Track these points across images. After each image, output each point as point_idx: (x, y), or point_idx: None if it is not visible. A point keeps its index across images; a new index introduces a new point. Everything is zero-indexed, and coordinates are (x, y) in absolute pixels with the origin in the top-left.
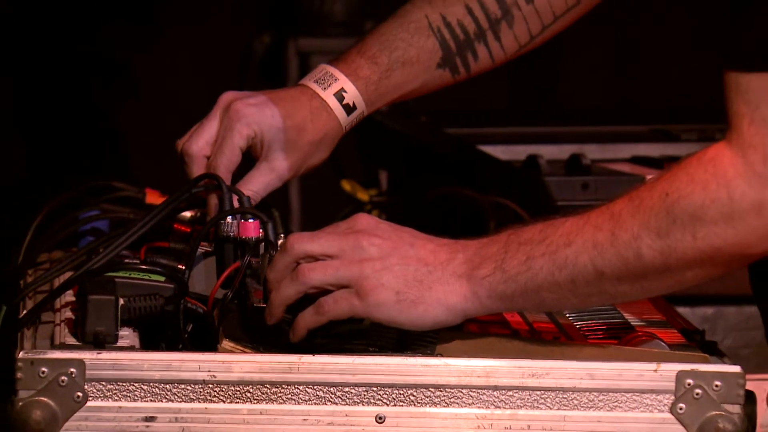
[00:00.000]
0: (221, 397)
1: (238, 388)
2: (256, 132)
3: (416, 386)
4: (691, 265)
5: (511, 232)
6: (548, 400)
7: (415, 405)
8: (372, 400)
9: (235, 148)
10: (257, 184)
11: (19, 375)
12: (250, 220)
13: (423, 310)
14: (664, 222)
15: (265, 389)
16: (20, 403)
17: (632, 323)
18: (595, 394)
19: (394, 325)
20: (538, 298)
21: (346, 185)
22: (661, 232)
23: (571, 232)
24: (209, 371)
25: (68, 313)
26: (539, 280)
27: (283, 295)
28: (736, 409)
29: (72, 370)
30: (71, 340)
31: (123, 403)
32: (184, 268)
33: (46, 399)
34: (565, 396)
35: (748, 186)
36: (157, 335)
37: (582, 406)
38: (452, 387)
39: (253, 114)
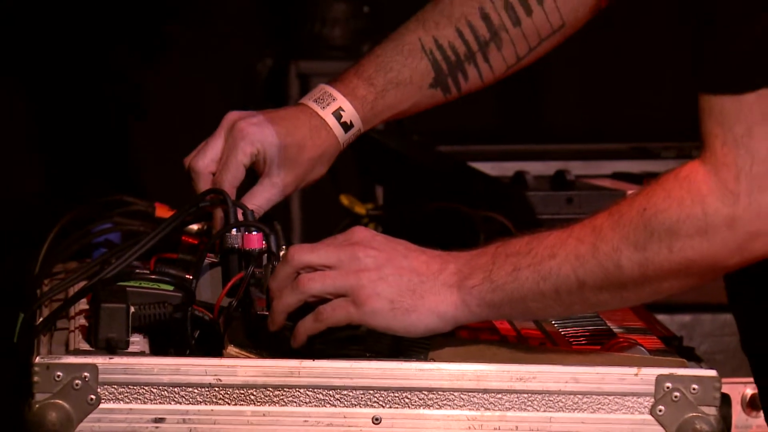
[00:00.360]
0: (226, 400)
1: (242, 391)
2: (259, 150)
3: (410, 389)
4: (667, 276)
5: (499, 244)
6: (535, 402)
7: (409, 407)
8: (369, 403)
9: (239, 165)
10: (260, 199)
11: (35, 379)
12: (254, 233)
13: (416, 318)
14: (642, 235)
15: (268, 392)
16: (36, 406)
17: (614, 330)
18: (579, 396)
19: (388, 332)
20: (524, 306)
21: (345, 200)
22: (639, 245)
23: (555, 244)
24: (215, 375)
25: (82, 321)
26: (525, 289)
27: (284, 303)
28: (712, 410)
29: (86, 374)
30: (85, 346)
31: (134, 405)
32: (191, 277)
33: (61, 401)
34: (551, 398)
35: (721, 202)
36: (166, 341)
37: (567, 408)
38: (444, 390)
39: (256, 133)
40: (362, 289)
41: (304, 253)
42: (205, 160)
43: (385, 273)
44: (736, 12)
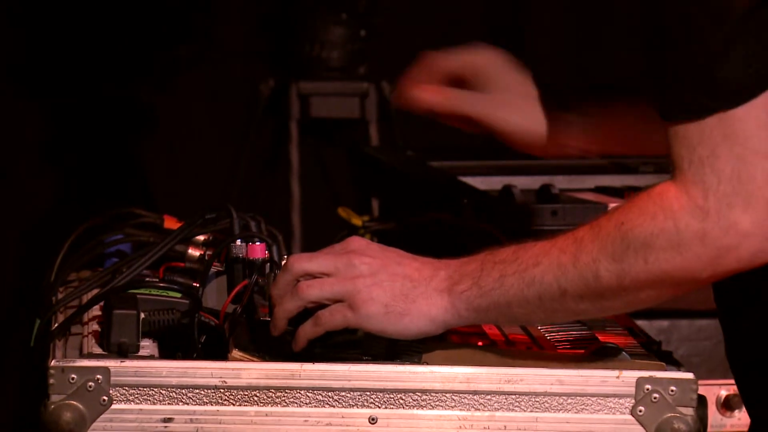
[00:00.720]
0: (231, 401)
1: (246, 393)
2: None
3: (405, 391)
4: (643, 287)
5: (487, 253)
6: (522, 403)
7: (404, 407)
8: (365, 403)
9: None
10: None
11: (51, 381)
12: (257, 243)
13: (408, 321)
14: (619, 248)
15: (271, 393)
16: (52, 406)
17: (597, 335)
18: (564, 398)
19: (383, 335)
20: (509, 311)
21: (342, 212)
22: (616, 256)
23: (539, 254)
24: (221, 377)
25: (95, 326)
26: (510, 295)
27: (284, 309)
28: (689, 411)
29: (98, 376)
30: (97, 350)
31: (144, 406)
32: (198, 285)
33: (75, 402)
34: (537, 400)
35: (692, 217)
36: (174, 345)
37: (552, 409)
38: (437, 392)
39: None
40: (358, 294)
41: (303, 262)
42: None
43: (380, 279)
44: (684, 38)
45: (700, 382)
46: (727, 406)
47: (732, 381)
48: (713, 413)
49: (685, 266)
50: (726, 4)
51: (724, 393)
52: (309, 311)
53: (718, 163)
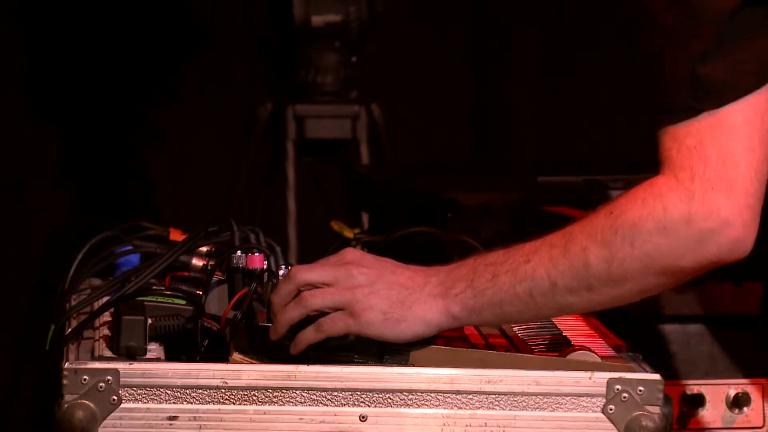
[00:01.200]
0: (232, 400)
1: (245, 393)
2: None
3: (393, 391)
4: (629, 277)
5: (477, 256)
6: (502, 402)
7: (392, 406)
8: (356, 403)
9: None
10: None
11: (64, 382)
12: (256, 254)
13: (405, 326)
14: (609, 233)
15: (268, 393)
16: (65, 405)
17: (570, 338)
18: (540, 397)
19: (381, 340)
20: (501, 310)
21: (335, 225)
22: (606, 242)
23: (530, 251)
24: (222, 378)
25: (105, 331)
26: (502, 293)
27: (288, 317)
28: (656, 410)
29: (109, 377)
30: (108, 353)
31: (151, 405)
32: (201, 293)
33: (87, 402)
34: (515, 399)
35: (679, 199)
36: (179, 349)
37: (529, 408)
38: (422, 391)
39: None
40: (357, 303)
41: (305, 273)
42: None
43: (377, 288)
44: (670, 42)
45: (666, 382)
46: (691, 404)
47: (696, 381)
48: (678, 412)
49: (668, 250)
50: (711, 5)
51: (688, 392)
52: (307, 318)
53: (705, 150)
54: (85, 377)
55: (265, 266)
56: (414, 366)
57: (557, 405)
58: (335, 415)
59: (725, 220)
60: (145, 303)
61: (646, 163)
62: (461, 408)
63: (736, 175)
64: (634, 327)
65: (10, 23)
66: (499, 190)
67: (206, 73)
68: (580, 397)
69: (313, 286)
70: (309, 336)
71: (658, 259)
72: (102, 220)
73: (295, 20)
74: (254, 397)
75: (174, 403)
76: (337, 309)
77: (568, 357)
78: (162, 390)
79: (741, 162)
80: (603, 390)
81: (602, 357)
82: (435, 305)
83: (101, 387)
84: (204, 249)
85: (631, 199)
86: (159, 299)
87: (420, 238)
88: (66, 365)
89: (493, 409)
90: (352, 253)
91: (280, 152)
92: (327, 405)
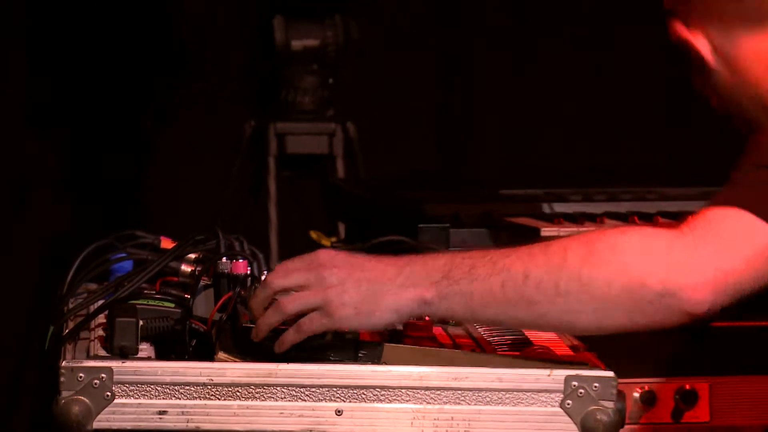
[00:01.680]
0: (217, 396)
1: (230, 389)
2: None
3: (366, 387)
4: (597, 292)
5: (453, 252)
6: (467, 398)
7: (365, 401)
8: (333, 398)
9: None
10: None
11: (62, 379)
12: (240, 261)
13: (377, 318)
14: (594, 239)
15: (251, 389)
16: (63, 401)
17: (531, 339)
18: (503, 393)
19: (357, 330)
20: (471, 301)
21: (313, 234)
22: (588, 244)
23: (511, 250)
24: (208, 376)
25: (100, 332)
26: (476, 283)
27: (267, 322)
28: (610, 404)
29: (103, 375)
30: (102, 352)
31: (142, 401)
32: (189, 297)
33: (82, 397)
34: (480, 395)
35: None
36: (168, 348)
37: (493, 403)
38: (394, 388)
39: None
40: (330, 302)
41: (279, 279)
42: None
43: (347, 287)
44: None
45: (619, 380)
46: (643, 400)
47: (647, 378)
48: (630, 406)
49: (639, 274)
50: None
51: (640, 390)
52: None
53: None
54: (81, 375)
55: (248, 272)
56: (386, 364)
57: (518, 400)
58: (313, 409)
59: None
60: (137, 306)
61: (602, 176)
62: (430, 403)
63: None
64: None
65: (10, 43)
66: (465, 202)
67: (196, 93)
68: (540, 392)
69: (288, 290)
70: (290, 337)
71: (627, 284)
72: (98, 229)
73: (277, 45)
74: (238, 393)
75: (163, 398)
76: (312, 310)
77: (529, 355)
78: (152, 386)
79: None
80: (561, 386)
81: (560, 356)
82: (406, 294)
83: (96, 384)
84: (192, 256)
85: (630, 227)
86: (150, 302)
87: (392, 247)
88: (63, 364)
89: (459, 404)
90: (324, 254)
91: (262, 166)
92: (305, 400)
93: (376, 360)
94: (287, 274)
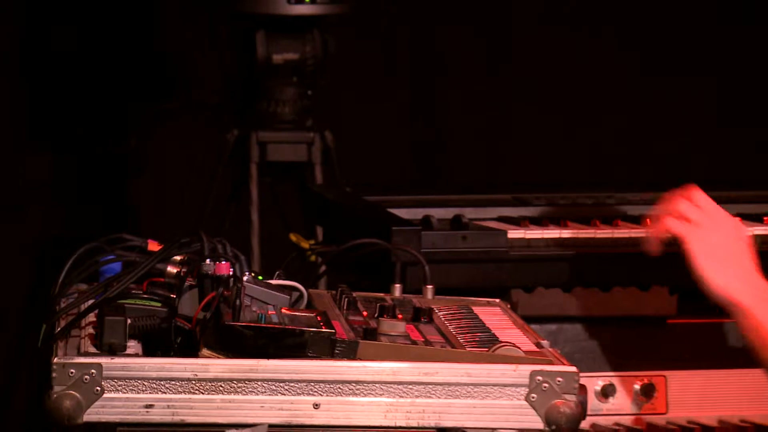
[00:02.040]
0: (201, 391)
1: (213, 384)
2: None
3: (342, 382)
4: None
5: None
6: (438, 391)
7: (342, 395)
8: (311, 392)
9: None
10: None
11: (54, 375)
12: (223, 262)
13: (719, 276)
14: None
15: (233, 384)
16: (54, 396)
17: (498, 336)
18: (471, 387)
19: (696, 274)
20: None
21: (293, 237)
22: None
23: None
24: (193, 371)
25: (90, 330)
26: None
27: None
28: (572, 398)
29: (93, 371)
30: (92, 349)
31: (130, 395)
32: (174, 296)
33: (73, 392)
34: (450, 389)
35: None
36: (155, 345)
37: (462, 396)
38: (368, 382)
39: None
40: (698, 249)
41: (691, 204)
42: None
43: (719, 255)
44: None
45: (581, 374)
46: (603, 394)
47: (607, 373)
48: (592, 400)
49: None
50: None
51: (600, 383)
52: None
53: None
54: (72, 370)
55: (231, 273)
56: (361, 360)
57: (486, 394)
58: (292, 403)
59: None
60: (126, 305)
61: (568, 183)
62: (402, 397)
63: None
64: (555, 327)
65: (8, 72)
66: (437, 206)
67: (181, 103)
68: (506, 386)
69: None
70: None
71: None
72: (88, 233)
73: (258, 58)
74: (221, 388)
75: (150, 393)
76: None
77: (496, 352)
78: (140, 382)
79: None
80: (526, 380)
81: (526, 352)
82: (741, 287)
83: (86, 379)
84: (178, 258)
85: None
86: (138, 302)
87: (367, 249)
88: (55, 360)
89: (430, 397)
90: (730, 222)
91: (245, 173)
92: (284, 394)
93: (352, 356)
94: (695, 208)
